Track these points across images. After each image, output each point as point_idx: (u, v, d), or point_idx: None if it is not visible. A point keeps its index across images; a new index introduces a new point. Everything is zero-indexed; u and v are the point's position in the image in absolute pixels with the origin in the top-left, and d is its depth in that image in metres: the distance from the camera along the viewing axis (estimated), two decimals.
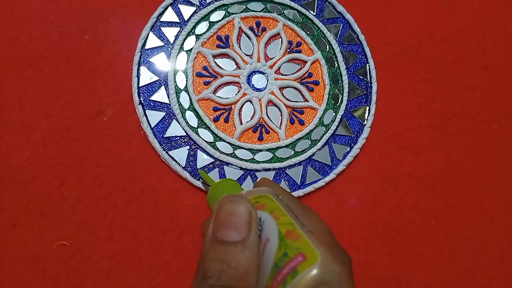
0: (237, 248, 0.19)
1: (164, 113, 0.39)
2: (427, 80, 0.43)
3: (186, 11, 0.42)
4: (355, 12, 0.44)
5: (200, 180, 0.37)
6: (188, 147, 0.38)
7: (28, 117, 0.38)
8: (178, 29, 0.41)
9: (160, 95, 0.40)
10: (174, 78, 0.40)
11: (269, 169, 0.39)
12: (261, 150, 0.39)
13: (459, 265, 0.38)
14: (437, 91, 0.43)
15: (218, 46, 0.42)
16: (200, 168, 0.38)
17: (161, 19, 0.42)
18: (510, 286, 0.38)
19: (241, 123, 0.40)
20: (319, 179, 0.39)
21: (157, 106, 0.39)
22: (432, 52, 0.44)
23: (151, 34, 0.41)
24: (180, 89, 0.40)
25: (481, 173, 0.41)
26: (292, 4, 0.43)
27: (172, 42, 0.41)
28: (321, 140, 0.40)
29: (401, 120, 0.41)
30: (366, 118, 0.41)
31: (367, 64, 0.42)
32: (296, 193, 0.38)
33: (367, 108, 0.41)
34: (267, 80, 0.41)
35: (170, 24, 0.42)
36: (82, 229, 0.35)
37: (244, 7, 0.43)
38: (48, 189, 0.36)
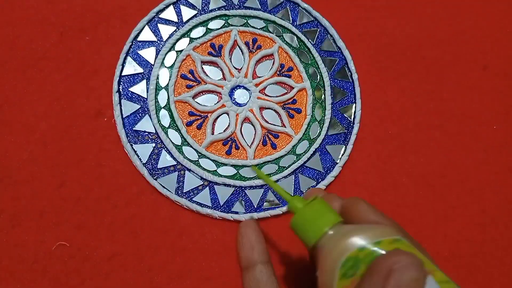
0: None
1: (139, 106, 0.39)
2: (426, 80, 0.43)
3: (187, 13, 0.42)
4: (354, 50, 0.43)
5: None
6: (154, 144, 0.38)
7: (28, 117, 0.38)
8: (174, 28, 0.42)
9: (139, 88, 0.39)
10: (158, 75, 0.40)
11: (228, 185, 0.38)
12: (226, 164, 0.38)
13: (459, 265, 0.38)
14: (436, 91, 0.43)
15: (209, 54, 0.41)
16: (253, 165, 0.37)
17: (160, 16, 0.42)
18: (510, 286, 0.37)
19: (213, 133, 0.39)
20: (278, 207, 0.38)
21: (134, 98, 0.39)
22: (432, 52, 0.44)
23: (146, 27, 0.41)
24: (161, 86, 0.40)
25: (481, 173, 0.41)
26: (293, 29, 0.43)
27: (165, 40, 0.41)
28: (289, 169, 0.39)
29: (401, 120, 0.41)
30: (339, 157, 0.40)
31: (354, 104, 0.41)
32: (250, 215, 0.37)
33: (344, 147, 0.40)
34: (249, 97, 0.41)
35: (168, 22, 0.42)
36: (82, 229, 0.35)
37: (245, 21, 0.43)
38: (48, 189, 0.36)
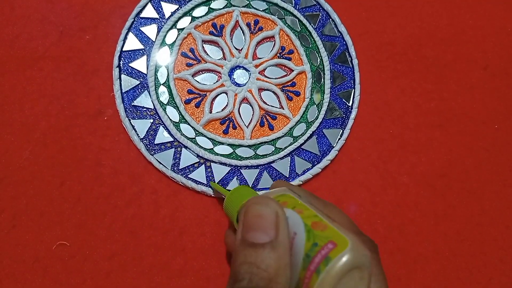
0: (266, 250, 0.19)
1: (139, 82, 0.39)
2: (427, 80, 0.43)
3: None
4: (354, 33, 0.43)
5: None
6: (152, 120, 0.38)
7: (28, 117, 0.37)
8: (176, 6, 0.42)
9: (140, 64, 0.40)
10: (158, 51, 0.40)
11: (224, 164, 0.38)
12: (222, 143, 0.39)
13: (459, 265, 0.38)
14: (437, 91, 0.43)
15: (211, 33, 0.41)
16: (211, 181, 0.38)
17: None
18: (510, 286, 0.38)
19: (211, 112, 0.39)
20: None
21: (134, 73, 0.39)
22: (432, 52, 0.44)
23: (149, 4, 0.41)
24: (161, 63, 0.40)
25: (481, 173, 0.41)
26: (295, 12, 0.43)
27: (167, 18, 0.41)
28: (285, 150, 0.39)
29: (401, 120, 0.41)
30: (336, 140, 0.40)
31: (353, 89, 0.41)
32: None
33: (341, 131, 0.40)
34: (249, 78, 0.41)
35: (171, 0, 0.42)
36: (82, 229, 0.35)
37: (248, 2, 0.43)
38: (48, 189, 0.36)
